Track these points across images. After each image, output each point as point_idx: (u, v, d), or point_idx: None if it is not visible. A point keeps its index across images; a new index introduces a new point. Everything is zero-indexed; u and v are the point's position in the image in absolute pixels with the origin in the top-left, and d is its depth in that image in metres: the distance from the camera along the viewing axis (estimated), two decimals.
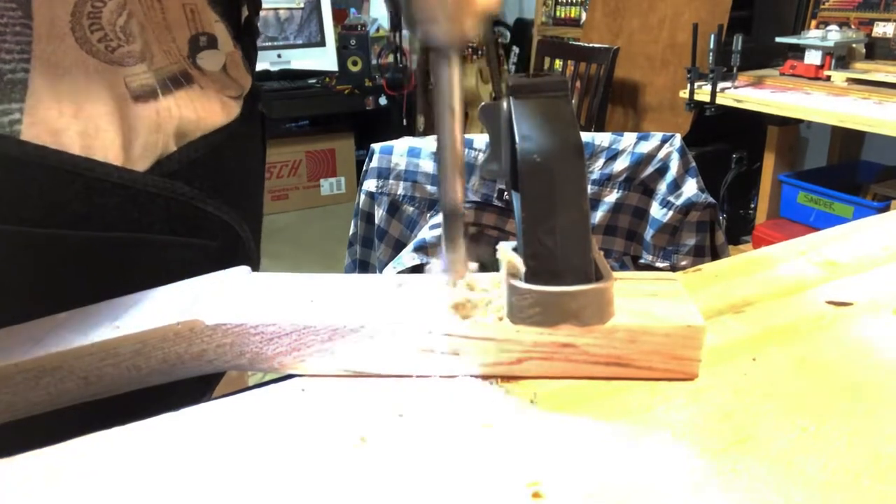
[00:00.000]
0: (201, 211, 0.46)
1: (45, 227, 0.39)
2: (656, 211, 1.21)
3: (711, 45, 2.17)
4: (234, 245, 0.50)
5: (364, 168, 1.25)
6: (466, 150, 1.22)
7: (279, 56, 3.25)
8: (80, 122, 0.39)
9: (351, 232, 1.29)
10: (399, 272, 1.15)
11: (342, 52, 3.34)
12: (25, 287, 0.40)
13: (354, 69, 3.35)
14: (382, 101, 3.42)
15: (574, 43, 2.90)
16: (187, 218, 0.46)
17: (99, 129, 0.40)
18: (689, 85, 2.23)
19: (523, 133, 0.35)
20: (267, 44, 3.24)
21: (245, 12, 0.53)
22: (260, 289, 0.40)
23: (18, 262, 0.39)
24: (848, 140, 2.37)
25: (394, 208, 1.24)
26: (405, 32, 3.60)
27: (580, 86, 2.61)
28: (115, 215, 0.42)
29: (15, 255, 0.39)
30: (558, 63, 2.80)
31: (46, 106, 0.38)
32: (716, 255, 1.25)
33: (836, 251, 0.52)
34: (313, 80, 3.32)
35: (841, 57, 2.18)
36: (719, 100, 2.15)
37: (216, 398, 0.36)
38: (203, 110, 0.47)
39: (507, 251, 0.40)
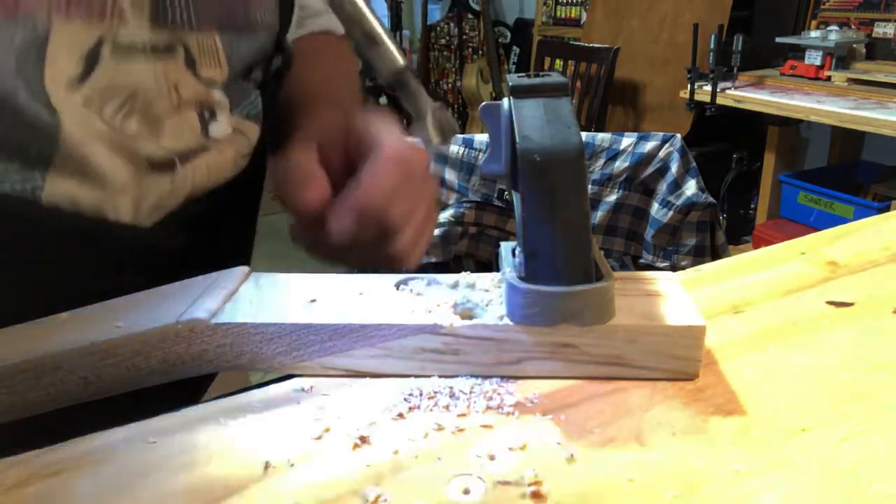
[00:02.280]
0: (196, 256, 0.49)
1: (49, 278, 0.43)
2: (656, 211, 1.21)
3: (712, 46, 2.17)
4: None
5: None
6: (466, 150, 1.22)
7: None
8: (95, 190, 0.43)
9: None
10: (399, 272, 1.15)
11: None
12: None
13: None
14: (382, 101, 3.42)
15: (574, 43, 2.90)
16: (180, 264, 0.48)
17: (116, 194, 0.44)
18: (689, 85, 2.23)
19: (523, 133, 0.35)
20: None
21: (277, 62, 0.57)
22: (260, 289, 0.40)
23: (25, 302, 0.42)
24: (848, 140, 2.37)
25: None
26: (405, 32, 3.60)
27: (580, 86, 2.61)
28: (112, 266, 0.45)
29: (23, 295, 0.42)
30: (558, 63, 2.80)
31: (67, 176, 0.42)
32: (716, 255, 1.25)
33: (836, 251, 0.52)
34: None
35: (841, 57, 2.18)
36: (719, 100, 2.15)
37: (216, 398, 0.36)
38: (216, 170, 0.50)
39: (507, 251, 0.40)
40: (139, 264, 0.47)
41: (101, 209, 0.43)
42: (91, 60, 0.41)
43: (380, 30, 0.41)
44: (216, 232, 0.52)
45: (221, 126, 0.50)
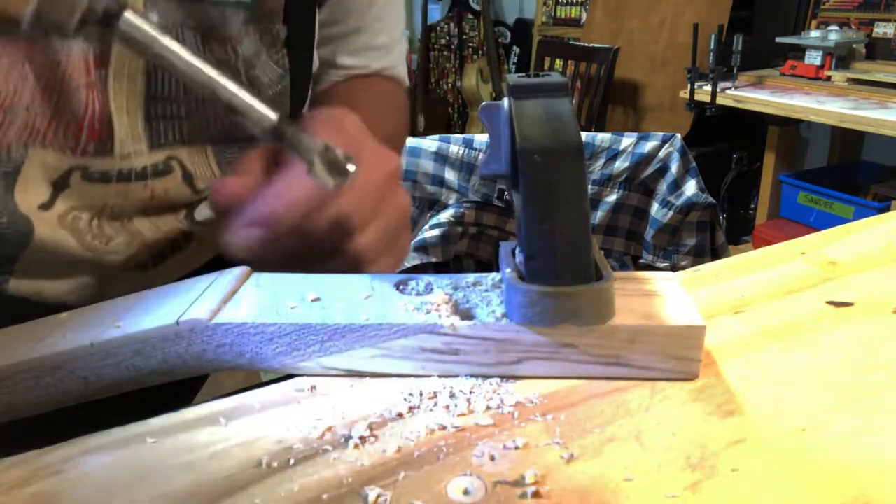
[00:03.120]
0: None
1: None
2: (656, 211, 1.21)
3: (712, 46, 2.17)
4: None
5: None
6: (466, 150, 1.22)
7: None
8: (60, 284, 0.45)
9: None
10: (399, 272, 1.15)
11: None
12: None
13: None
14: None
15: (574, 43, 2.90)
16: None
17: (85, 287, 0.46)
18: (689, 85, 2.23)
19: (523, 133, 0.35)
20: None
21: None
22: (260, 289, 0.40)
23: None
24: (848, 140, 2.37)
25: None
26: (405, 32, 3.60)
27: (580, 86, 2.61)
28: None
29: None
30: (558, 63, 2.80)
31: (32, 273, 0.44)
32: (716, 255, 1.25)
33: (836, 251, 0.52)
34: None
35: (841, 57, 2.18)
36: (720, 100, 2.15)
37: (217, 397, 0.36)
38: (195, 261, 0.51)
39: (507, 251, 0.40)
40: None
41: (68, 300, 0.45)
42: (60, 186, 0.43)
43: (238, 93, 0.37)
44: None
45: (208, 210, 0.51)
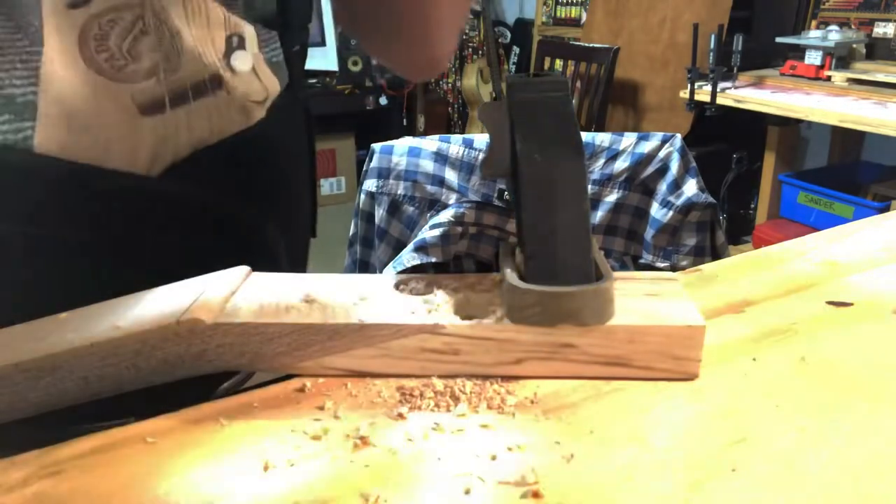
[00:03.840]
0: (215, 212, 0.48)
1: (56, 231, 0.42)
2: (656, 211, 1.21)
3: (712, 46, 2.17)
4: (253, 244, 0.50)
5: (364, 168, 1.25)
6: (466, 150, 1.22)
7: None
8: (88, 135, 0.42)
9: (351, 232, 1.29)
10: (399, 272, 1.15)
11: (342, 52, 3.33)
12: (35, 285, 0.43)
13: (354, 69, 3.35)
14: (382, 101, 3.42)
15: (574, 43, 2.90)
16: (198, 219, 0.47)
17: (108, 141, 0.42)
18: (689, 85, 2.23)
19: (523, 133, 0.35)
20: None
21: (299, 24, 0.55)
22: (260, 289, 0.40)
23: (29, 262, 0.41)
24: (848, 140, 2.37)
25: (394, 208, 1.24)
26: None
27: (580, 86, 2.61)
28: (122, 218, 0.44)
29: (26, 256, 0.42)
30: (558, 63, 2.80)
31: (56, 122, 0.41)
32: (716, 255, 1.25)
33: (836, 251, 0.52)
34: (313, 80, 3.32)
35: (841, 57, 2.18)
36: (719, 100, 2.15)
37: (219, 397, 0.36)
38: (219, 118, 0.47)
39: (507, 251, 0.40)
40: (153, 219, 0.45)
41: (95, 157, 0.42)
42: None
43: None
44: (243, 193, 0.50)
45: (246, 58, 0.48)
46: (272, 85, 0.51)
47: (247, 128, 0.49)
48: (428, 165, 1.22)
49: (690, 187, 1.18)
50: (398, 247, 1.23)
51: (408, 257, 1.17)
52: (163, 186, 0.45)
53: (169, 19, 0.43)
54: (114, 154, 0.43)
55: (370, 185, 1.24)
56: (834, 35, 2.15)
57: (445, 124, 3.86)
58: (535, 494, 0.28)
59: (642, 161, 1.19)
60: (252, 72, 0.48)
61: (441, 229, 1.17)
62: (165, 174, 0.45)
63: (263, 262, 0.45)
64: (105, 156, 0.42)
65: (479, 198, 1.20)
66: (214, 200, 0.47)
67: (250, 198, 0.50)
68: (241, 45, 0.47)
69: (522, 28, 3.73)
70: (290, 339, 0.36)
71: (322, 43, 3.33)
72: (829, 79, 2.17)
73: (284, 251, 0.54)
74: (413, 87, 3.51)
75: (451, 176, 1.22)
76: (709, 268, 0.50)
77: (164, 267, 0.43)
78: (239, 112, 0.48)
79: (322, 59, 3.33)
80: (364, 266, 1.29)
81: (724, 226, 1.52)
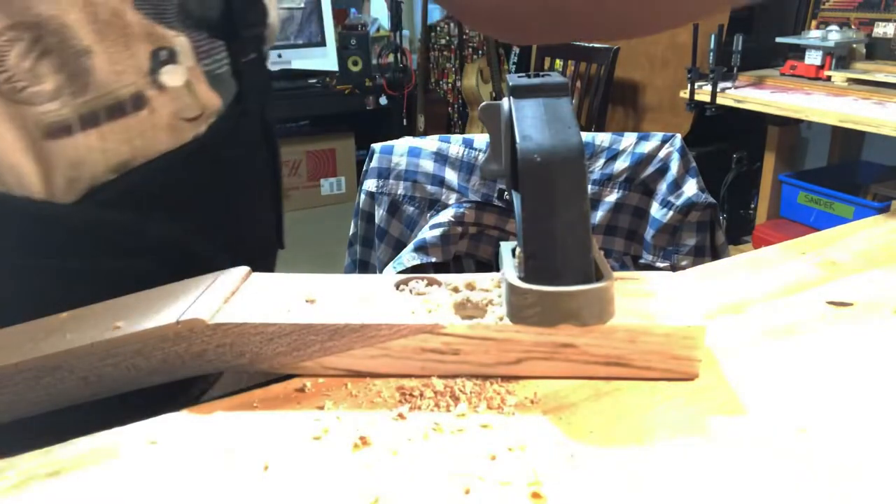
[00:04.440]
0: (139, 235, 0.45)
1: None
2: (656, 211, 1.21)
3: (712, 46, 2.17)
4: (188, 265, 0.45)
5: (364, 168, 1.25)
6: (466, 150, 1.22)
7: (279, 56, 3.25)
8: None
9: (351, 232, 1.29)
10: (399, 272, 1.15)
11: (342, 52, 3.33)
12: None
13: (354, 69, 3.35)
14: (382, 101, 3.42)
15: (574, 43, 2.90)
16: (118, 243, 0.44)
17: (13, 166, 0.40)
18: (689, 85, 2.23)
19: (523, 133, 0.35)
20: None
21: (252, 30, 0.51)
22: (260, 289, 0.40)
23: None
24: (848, 140, 2.37)
25: (394, 208, 1.24)
26: (405, 32, 3.60)
27: (580, 86, 2.61)
28: (43, 245, 0.42)
29: None
30: (558, 63, 2.80)
31: None
32: (716, 255, 1.25)
33: (836, 251, 0.52)
34: (313, 80, 3.32)
35: (841, 57, 2.18)
36: (719, 100, 2.15)
37: (217, 398, 0.36)
38: (143, 139, 0.44)
39: (507, 251, 0.40)
40: (71, 245, 0.42)
41: (4, 182, 0.40)
42: None
43: None
44: (175, 214, 0.46)
45: (178, 73, 0.44)
46: (211, 100, 0.47)
47: (179, 147, 0.46)
48: (428, 165, 1.22)
49: (690, 187, 1.18)
50: (398, 247, 1.23)
51: (408, 257, 1.17)
52: (79, 212, 0.42)
53: (74, 37, 0.39)
54: (22, 179, 0.40)
55: (370, 185, 1.24)
56: (834, 35, 2.15)
57: (445, 124, 3.86)
58: (535, 495, 0.28)
59: (642, 161, 1.19)
60: (185, 87, 0.45)
61: (441, 229, 1.17)
62: (85, 199, 0.42)
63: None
64: (11, 181, 0.40)
65: (479, 198, 1.20)
66: (138, 223, 0.44)
67: (184, 218, 0.47)
68: (172, 58, 0.44)
69: None
70: (290, 339, 0.36)
71: (322, 43, 3.33)
72: (829, 79, 2.17)
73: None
74: (413, 86, 3.51)
75: (451, 176, 1.22)
76: (709, 268, 0.50)
77: (91, 293, 0.41)
78: (167, 132, 0.45)
79: (322, 59, 3.33)
80: (364, 266, 1.29)
81: (724, 226, 1.52)
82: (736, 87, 2.21)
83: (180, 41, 0.44)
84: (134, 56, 0.42)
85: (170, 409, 0.35)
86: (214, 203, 0.50)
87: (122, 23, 0.41)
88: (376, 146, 1.24)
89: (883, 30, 2.21)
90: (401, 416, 0.34)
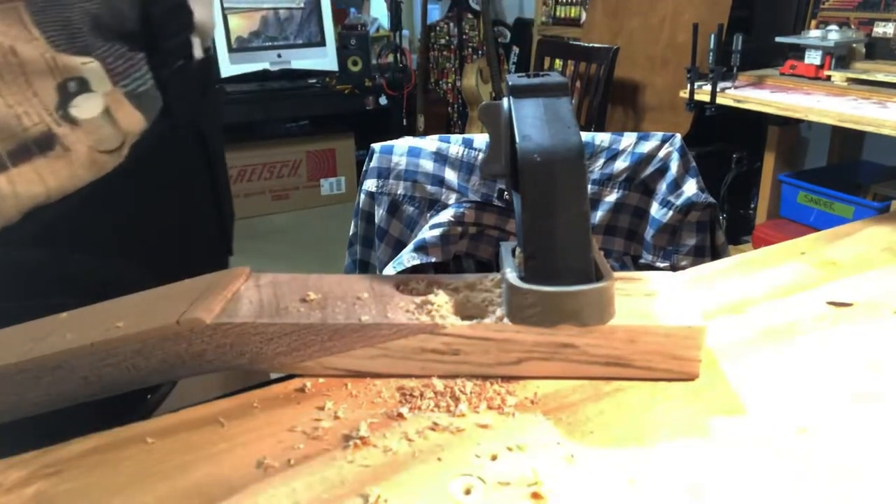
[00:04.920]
0: (58, 270, 0.43)
1: None
2: (656, 211, 1.21)
3: (711, 45, 2.17)
4: (116, 291, 0.43)
5: (364, 168, 1.25)
6: (466, 150, 1.22)
7: (279, 56, 3.25)
8: None
9: (351, 232, 1.29)
10: (399, 272, 1.15)
11: (342, 52, 3.34)
12: None
13: (354, 69, 3.35)
14: (382, 101, 3.42)
15: (574, 43, 2.90)
16: (34, 282, 0.42)
17: None
18: (689, 85, 2.23)
19: (523, 133, 0.35)
20: (267, 44, 3.24)
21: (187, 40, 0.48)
22: (260, 289, 0.40)
23: None
24: (848, 140, 2.37)
25: (394, 208, 1.24)
26: (405, 32, 3.60)
27: (580, 86, 2.61)
28: None
29: None
30: (558, 63, 2.80)
31: None
32: (716, 255, 1.25)
33: (836, 251, 0.52)
34: (313, 80, 3.32)
35: (841, 57, 2.18)
36: (719, 100, 2.15)
37: (216, 398, 0.36)
38: (56, 178, 0.41)
39: (507, 251, 0.40)
40: None
41: None
42: None
43: None
44: (96, 243, 0.44)
45: (93, 102, 0.41)
46: (133, 124, 0.44)
47: (96, 179, 0.43)
48: (428, 165, 1.22)
49: (690, 187, 1.18)
50: (398, 247, 1.23)
51: (408, 257, 1.16)
52: None
53: None
54: None
55: (370, 185, 1.24)
56: (834, 35, 2.15)
57: (445, 124, 3.86)
58: (535, 495, 0.28)
59: (642, 161, 1.19)
60: (104, 115, 0.42)
61: (441, 229, 1.17)
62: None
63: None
64: None
65: (479, 198, 1.20)
66: (57, 259, 0.42)
67: (108, 247, 0.45)
68: (84, 87, 0.41)
69: (522, 28, 3.73)
70: (290, 339, 0.36)
71: (322, 43, 3.33)
72: (828, 78, 2.16)
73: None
74: (413, 86, 3.51)
75: (451, 176, 1.22)
76: (709, 268, 0.50)
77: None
78: (86, 167, 0.42)
79: (322, 59, 3.33)
80: (364, 266, 1.29)
81: (724, 226, 1.52)
82: (736, 87, 2.21)
83: (91, 68, 0.41)
84: (37, 94, 0.39)
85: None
86: (144, 225, 0.47)
87: (18, 61, 0.39)
88: (376, 146, 1.24)
89: (883, 29, 2.21)
90: (401, 416, 0.34)
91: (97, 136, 0.42)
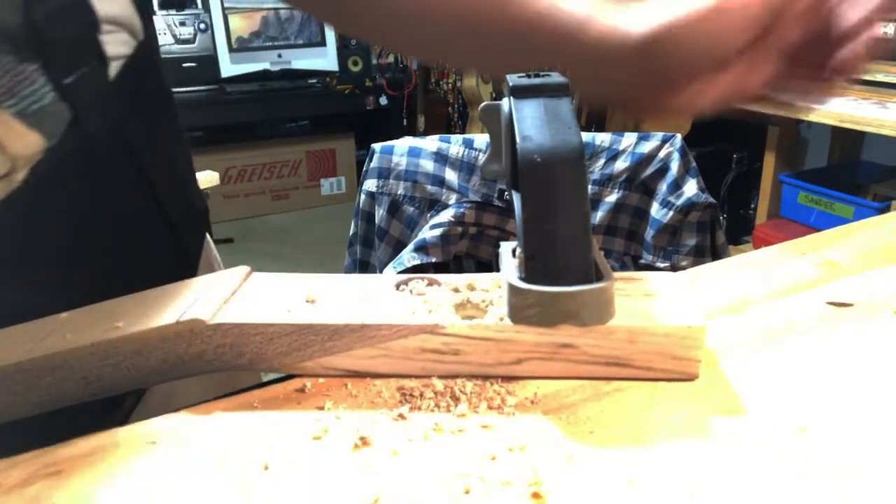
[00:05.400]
0: None
1: None
2: (657, 211, 1.21)
3: None
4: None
5: (364, 168, 1.25)
6: (466, 150, 1.22)
7: (279, 56, 3.25)
8: None
9: (351, 232, 1.29)
10: (399, 272, 1.15)
11: (342, 52, 3.34)
12: None
13: (354, 69, 3.35)
14: (383, 101, 3.42)
15: None
16: None
17: None
18: None
19: (523, 133, 0.35)
20: (267, 44, 3.24)
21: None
22: (260, 289, 0.40)
23: None
24: (848, 140, 2.36)
25: (394, 208, 1.24)
26: None
27: None
28: None
29: None
30: None
31: None
32: (716, 255, 1.25)
33: (836, 251, 0.52)
34: (313, 80, 3.32)
35: None
36: None
37: (216, 398, 0.36)
38: None
39: (507, 251, 0.40)
40: None
41: None
42: None
43: None
44: (16, 276, 0.41)
45: None
46: (26, 146, 0.39)
47: None
48: (428, 165, 1.22)
49: (691, 187, 1.18)
50: (398, 247, 1.23)
51: (408, 257, 1.17)
52: None
53: None
54: None
55: (370, 185, 1.24)
56: None
57: (445, 124, 3.86)
58: (535, 495, 0.28)
59: (642, 161, 1.19)
60: None
61: (441, 229, 1.17)
62: None
63: None
64: None
65: (479, 198, 1.20)
66: None
67: (14, 279, 0.41)
68: None
69: None
70: (290, 339, 0.36)
71: (322, 43, 3.33)
72: None
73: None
74: (413, 86, 3.51)
75: (451, 176, 1.22)
76: (709, 268, 0.50)
77: None
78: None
79: (322, 59, 3.33)
80: (364, 266, 1.29)
81: (724, 226, 1.52)
82: None
83: None
84: None
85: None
86: (68, 246, 0.42)
87: None
88: (376, 146, 1.24)
89: (883, 30, 2.20)
90: (401, 416, 0.34)
91: None
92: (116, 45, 0.43)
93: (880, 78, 2.02)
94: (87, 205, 0.43)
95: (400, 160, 1.22)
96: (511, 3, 0.39)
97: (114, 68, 0.43)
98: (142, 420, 0.35)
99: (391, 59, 3.46)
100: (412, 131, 3.48)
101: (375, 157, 1.23)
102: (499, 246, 0.42)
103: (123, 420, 0.35)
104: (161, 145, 0.49)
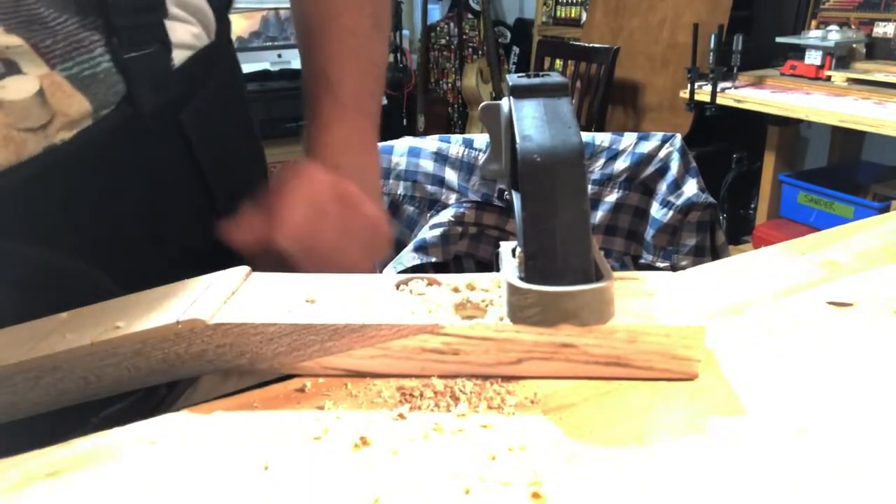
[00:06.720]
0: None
1: None
2: (656, 211, 1.21)
3: (712, 46, 2.17)
4: (67, 290, 0.41)
5: None
6: (466, 150, 1.22)
7: (279, 56, 3.25)
8: None
9: None
10: (399, 272, 1.15)
11: None
12: None
13: None
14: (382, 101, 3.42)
15: (574, 43, 2.90)
16: None
17: None
18: (689, 85, 2.23)
19: (523, 133, 0.35)
20: (267, 44, 3.24)
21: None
22: (260, 289, 0.40)
23: None
24: (848, 140, 2.36)
25: (394, 208, 1.24)
26: (405, 32, 3.60)
27: (580, 86, 2.61)
28: None
29: None
30: (558, 63, 2.80)
31: None
32: (716, 255, 1.25)
33: (836, 251, 0.52)
34: None
35: (841, 57, 2.18)
36: (719, 100, 2.15)
37: (216, 398, 0.36)
38: None
39: (507, 251, 0.40)
40: None
41: None
42: None
43: None
44: (53, 235, 0.42)
45: (22, 85, 0.39)
46: (69, 106, 0.40)
47: (27, 159, 0.40)
48: (428, 165, 1.22)
49: (690, 187, 1.18)
50: (398, 247, 1.23)
51: (408, 257, 1.17)
52: None
53: None
54: None
55: None
56: (834, 35, 2.15)
57: (445, 124, 3.86)
58: (535, 495, 0.28)
59: (642, 161, 1.19)
60: (35, 97, 0.39)
61: (441, 229, 1.17)
62: None
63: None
64: None
65: (479, 198, 1.20)
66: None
67: (52, 237, 0.42)
68: (11, 70, 0.38)
69: (522, 28, 3.73)
70: (290, 339, 0.36)
71: None
72: (829, 79, 2.16)
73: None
74: (413, 86, 3.51)
75: (451, 176, 1.22)
76: (709, 268, 0.50)
77: None
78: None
79: None
80: None
81: (724, 226, 1.52)
82: (736, 87, 2.21)
83: (18, 50, 0.39)
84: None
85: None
86: (96, 214, 0.43)
87: None
88: None
89: (883, 30, 2.21)
90: (401, 416, 0.34)
91: (20, 114, 0.39)
92: (184, 35, 0.46)
93: (880, 78, 2.02)
94: (123, 178, 0.44)
95: (400, 160, 1.22)
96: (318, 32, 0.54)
97: (178, 57, 0.46)
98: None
99: (391, 59, 3.46)
100: (412, 131, 3.48)
101: None
102: (499, 246, 0.42)
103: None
104: (219, 137, 0.51)
